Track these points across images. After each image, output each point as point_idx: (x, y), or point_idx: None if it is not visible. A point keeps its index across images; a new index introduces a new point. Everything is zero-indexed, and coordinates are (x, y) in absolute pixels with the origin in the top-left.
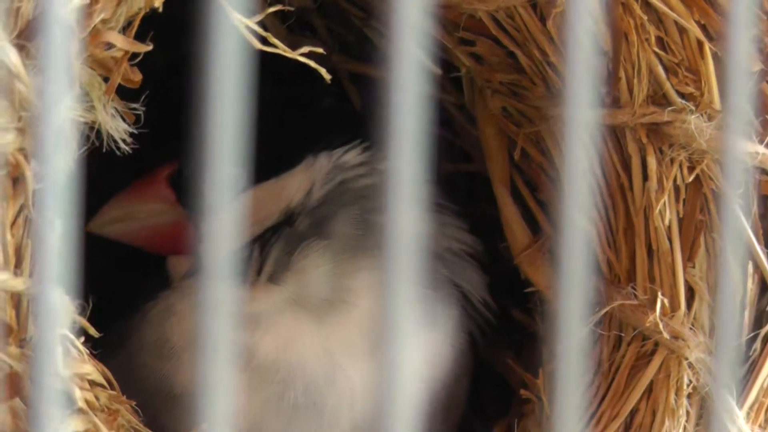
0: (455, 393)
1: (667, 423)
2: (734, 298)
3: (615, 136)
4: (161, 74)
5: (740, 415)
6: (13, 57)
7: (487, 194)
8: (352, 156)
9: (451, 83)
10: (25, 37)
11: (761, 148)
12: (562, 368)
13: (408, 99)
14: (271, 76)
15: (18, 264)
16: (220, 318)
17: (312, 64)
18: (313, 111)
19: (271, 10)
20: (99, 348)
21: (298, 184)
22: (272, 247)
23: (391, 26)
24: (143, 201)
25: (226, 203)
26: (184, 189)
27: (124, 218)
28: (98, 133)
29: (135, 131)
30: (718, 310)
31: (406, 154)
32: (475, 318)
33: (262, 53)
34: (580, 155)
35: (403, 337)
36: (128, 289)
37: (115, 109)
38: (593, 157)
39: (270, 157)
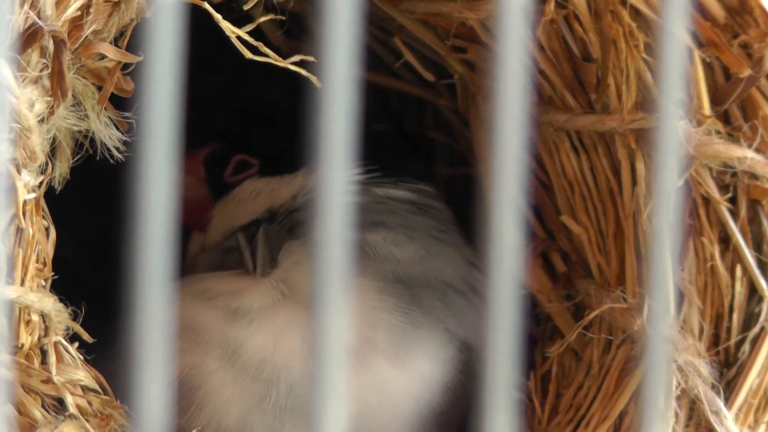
0: (451, 414)
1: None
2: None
3: (605, 141)
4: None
5: (728, 416)
6: (4, 69)
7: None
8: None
9: (446, 89)
10: (16, 50)
11: (750, 153)
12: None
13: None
14: None
15: (9, 273)
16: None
17: (303, 72)
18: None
19: (263, 19)
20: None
21: (291, 188)
22: (257, 242)
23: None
24: (182, 173)
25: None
26: (213, 170)
27: None
28: (92, 141)
29: (128, 139)
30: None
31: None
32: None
33: None
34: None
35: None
36: None
37: (109, 117)
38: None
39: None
